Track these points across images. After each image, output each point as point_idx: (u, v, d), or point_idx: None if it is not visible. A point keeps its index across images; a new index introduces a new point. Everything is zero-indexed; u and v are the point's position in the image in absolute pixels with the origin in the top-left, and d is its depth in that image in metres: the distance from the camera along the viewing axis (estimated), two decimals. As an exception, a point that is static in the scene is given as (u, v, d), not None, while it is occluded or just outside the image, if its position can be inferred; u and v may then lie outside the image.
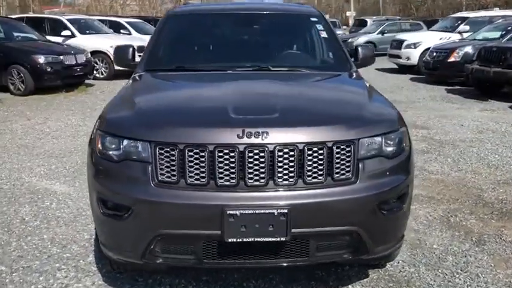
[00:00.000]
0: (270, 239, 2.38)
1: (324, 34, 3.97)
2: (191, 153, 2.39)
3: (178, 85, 3.46)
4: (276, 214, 2.33)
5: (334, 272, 3.19)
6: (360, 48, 3.93)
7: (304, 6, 4.84)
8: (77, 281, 3.09)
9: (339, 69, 3.69)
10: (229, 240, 2.36)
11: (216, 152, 2.37)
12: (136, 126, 2.55)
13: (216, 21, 4.19)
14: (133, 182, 2.45)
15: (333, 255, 2.59)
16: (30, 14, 19.73)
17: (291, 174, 2.40)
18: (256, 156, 2.38)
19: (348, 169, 2.47)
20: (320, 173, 2.43)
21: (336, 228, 2.46)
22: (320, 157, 2.43)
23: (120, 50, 3.88)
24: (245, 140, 2.38)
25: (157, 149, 2.42)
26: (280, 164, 2.39)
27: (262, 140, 2.38)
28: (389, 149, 2.61)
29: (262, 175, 2.39)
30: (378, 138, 2.58)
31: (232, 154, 2.37)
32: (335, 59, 3.94)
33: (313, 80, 3.47)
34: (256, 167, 2.38)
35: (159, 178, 2.41)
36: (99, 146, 2.61)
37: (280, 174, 2.39)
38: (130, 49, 3.83)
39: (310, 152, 2.42)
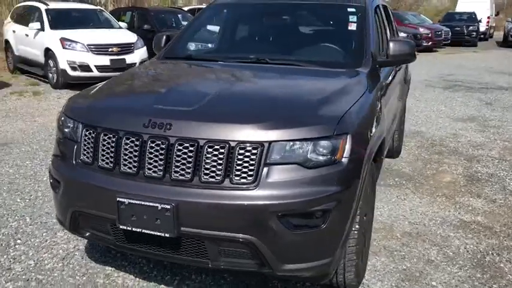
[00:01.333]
0: (156, 233, 2.34)
1: (352, 27, 3.55)
2: (105, 138, 2.48)
3: (148, 73, 3.55)
4: (159, 209, 2.28)
5: (293, 285, 2.94)
6: (391, 44, 3.38)
7: None
8: (66, 242, 3.46)
9: (348, 66, 3.24)
10: (121, 227, 2.40)
11: (124, 139, 2.41)
12: (77, 108, 2.76)
13: (243, 13, 4.11)
14: (65, 158, 2.68)
15: (238, 263, 2.40)
16: (203, 5, 21.71)
17: (187, 170, 2.30)
18: (157, 148, 2.35)
19: (250, 173, 2.25)
20: (218, 173, 2.27)
21: (228, 234, 2.28)
22: (220, 156, 2.27)
23: (157, 38, 4.11)
24: (149, 130, 2.37)
25: (84, 130, 2.58)
26: (178, 159, 2.31)
27: (164, 131, 2.34)
28: (315, 157, 2.28)
29: (160, 167, 2.35)
30: (304, 144, 2.28)
31: (136, 143, 2.39)
32: (349, 55, 3.48)
33: (291, 76, 3.16)
34: (156, 159, 2.35)
35: (80, 158, 2.57)
36: (59, 122, 2.88)
37: (176, 169, 2.32)
38: (164, 37, 4.03)
39: (210, 150, 2.28)
